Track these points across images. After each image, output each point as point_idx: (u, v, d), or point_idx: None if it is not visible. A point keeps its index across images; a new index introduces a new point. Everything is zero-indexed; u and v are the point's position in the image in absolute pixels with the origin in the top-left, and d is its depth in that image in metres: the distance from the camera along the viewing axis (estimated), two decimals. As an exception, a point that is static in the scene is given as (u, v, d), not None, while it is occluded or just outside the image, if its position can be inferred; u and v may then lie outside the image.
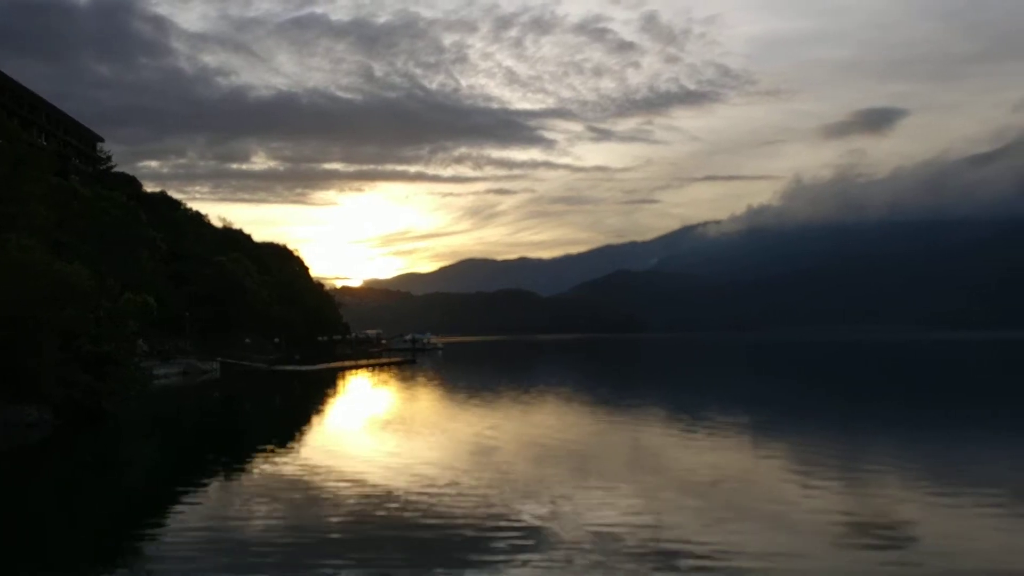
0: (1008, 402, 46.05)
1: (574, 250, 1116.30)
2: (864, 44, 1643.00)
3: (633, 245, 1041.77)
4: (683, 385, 62.28)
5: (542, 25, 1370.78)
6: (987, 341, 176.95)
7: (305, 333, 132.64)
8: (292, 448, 28.59)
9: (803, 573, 13.45)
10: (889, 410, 41.12)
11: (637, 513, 17.50)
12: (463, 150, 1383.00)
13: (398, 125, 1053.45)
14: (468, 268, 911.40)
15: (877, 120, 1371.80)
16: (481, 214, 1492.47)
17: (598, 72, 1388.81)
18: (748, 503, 18.50)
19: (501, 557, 14.41)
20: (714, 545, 14.93)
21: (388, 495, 19.79)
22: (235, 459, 26.57)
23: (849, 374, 76.54)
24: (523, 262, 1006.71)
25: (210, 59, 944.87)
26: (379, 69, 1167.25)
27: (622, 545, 15.04)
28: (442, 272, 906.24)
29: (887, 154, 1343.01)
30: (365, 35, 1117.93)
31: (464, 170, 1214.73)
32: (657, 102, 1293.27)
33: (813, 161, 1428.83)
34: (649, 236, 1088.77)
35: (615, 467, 23.56)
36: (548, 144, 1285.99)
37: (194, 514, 18.21)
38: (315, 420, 39.74)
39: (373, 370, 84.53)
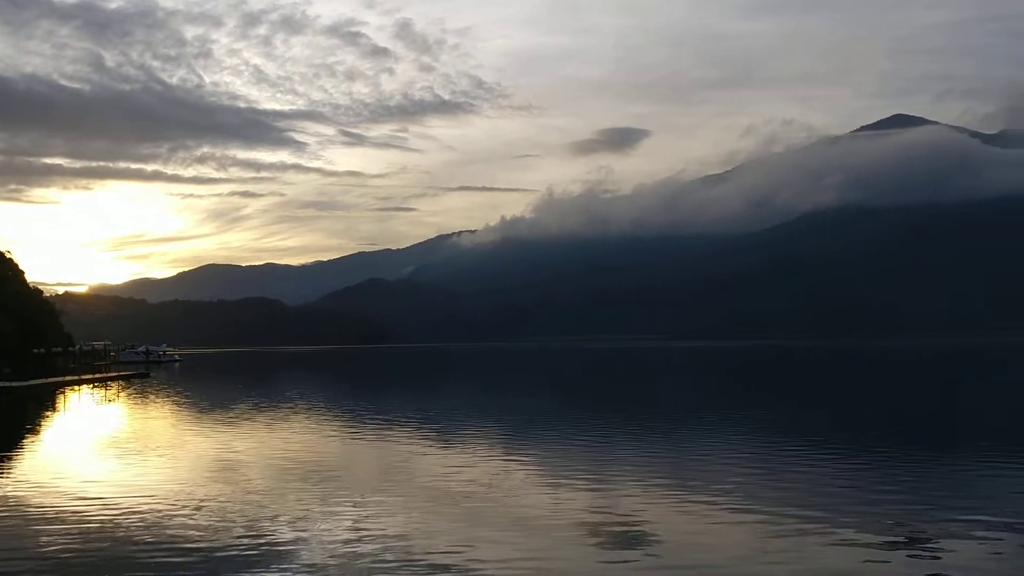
0: (732, 404, 50.34)
1: (325, 257, 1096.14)
2: (611, 65, 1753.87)
3: (387, 253, 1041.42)
4: (434, 395, 62.55)
5: (292, 25, 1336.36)
6: (718, 348, 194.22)
7: (17, 345, 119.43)
8: (-3, 474, 25.19)
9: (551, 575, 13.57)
10: (629, 414, 43.45)
11: (387, 526, 17.03)
12: (206, 149, 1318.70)
13: (133, 120, 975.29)
14: (210, 274, 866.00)
15: (622, 139, 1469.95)
16: (225, 217, 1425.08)
17: (351, 76, 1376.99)
18: (499, 511, 18.62)
19: (240, 584, 13.37)
20: (465, 554, 14.81)
21: (115, 521, 17.90)
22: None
23: (594, 380, 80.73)
24: (270, 269, 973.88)
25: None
26: (110, 59, 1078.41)
27: (371, 560, 14.52)
28: (181, 278, 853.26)
29: (630, 172, 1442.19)
30: (93, 20, 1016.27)
31: (207, 171, 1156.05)
32: (412, 109, 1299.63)
33: (564, 175, 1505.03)
34: (403, 244, 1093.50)
35: (364, 481, 22.94)
36: (298, 147, 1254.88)
37: None
38: (27, 442, 35.44)
39: (100, 385, 77.56)
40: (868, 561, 14.04)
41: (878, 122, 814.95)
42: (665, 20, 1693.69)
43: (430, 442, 31.22)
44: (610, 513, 18.06)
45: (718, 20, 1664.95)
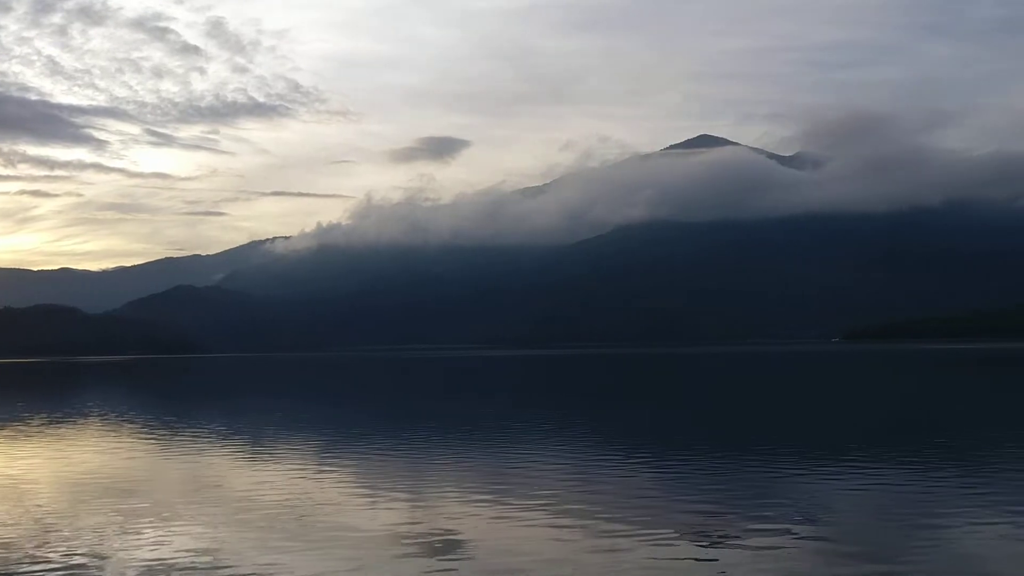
0: (547, 413, 51.52)
1: (128, 262, 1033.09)
2: (432, 74, 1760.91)
3: (196, 259, 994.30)
4: (245, 407, 60.35)
5: (92, 15, 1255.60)
6: (534, 357, 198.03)
7: None
8: None
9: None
10: (445, 425, 43.50)
11: (193, 546, 16.29)
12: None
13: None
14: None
15: (442, 148, 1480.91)
16: (13, 218, 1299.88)
17: (158, 73, 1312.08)
18: (312, 526, 18.22)
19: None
20: (276, 571, 14.44)
21: None
22: None
23: (410, 391, 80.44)
24: (66, 274, 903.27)
25: None
26: None
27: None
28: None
29: (451, 181, 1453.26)
30: None
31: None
32: (224, 111, 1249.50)
33: (383, 182, 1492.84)
34: (214, 250, 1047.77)
35: (169, 499, 21.78)
36: (99, 145, 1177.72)
37: None
38: None
39: None
40: (674, 565, 14.83)
41: (685, 141, 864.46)
42: (486, 33, 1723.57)
43: (240, 456, 30.15)
44: (427, 525, 18.07)
45: (538, 36, 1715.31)
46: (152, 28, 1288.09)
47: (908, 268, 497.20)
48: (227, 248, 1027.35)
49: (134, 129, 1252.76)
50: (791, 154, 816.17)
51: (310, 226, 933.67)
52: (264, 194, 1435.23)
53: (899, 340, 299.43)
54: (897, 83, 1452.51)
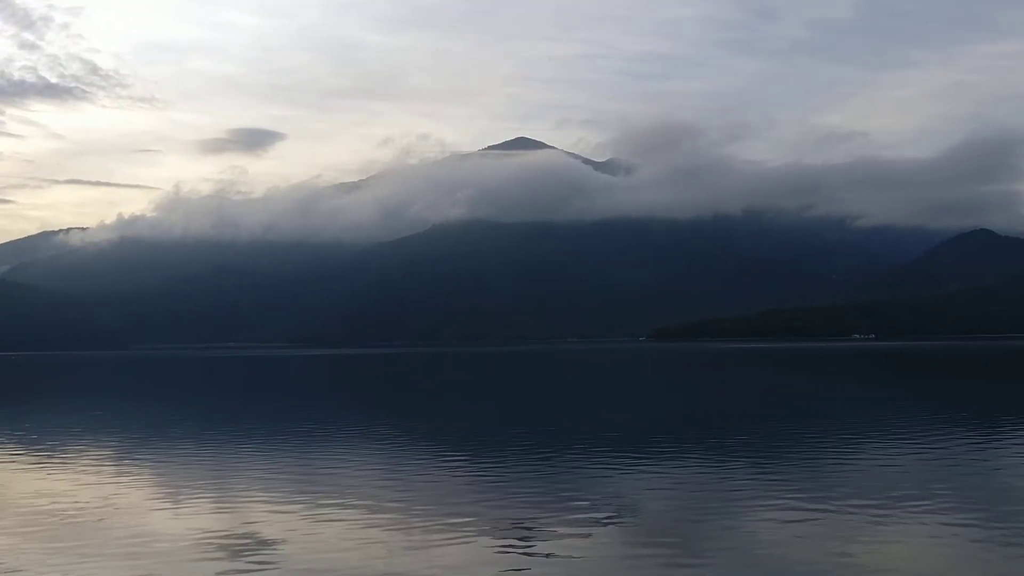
0: (362, 413, 50.63)
1: None
2: (245, 64, 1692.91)
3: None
4: (32, 410, 55.52)
5: None
6: (347, 356, 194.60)
7: None
8: None
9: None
10: (251, 425, 41.83)
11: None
12: None
13: None
14: None
15: (255, 140, 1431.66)
16: None
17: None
18: (107, 533, 17.06)
19: None
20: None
21: None
22: None
23: (216, 391, 76.92)
24: None
25: None
26: None
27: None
28: None
29: (263, 174, 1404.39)
30: None
31: None
32: (10, 90, 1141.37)
33: (192, 174, 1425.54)
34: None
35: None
36: None
37: None
38: None
39: None
40: (484, 568, 14.81)
41: (504, 143, 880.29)
42: (303, 25, 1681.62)
43: (27, 462, 27.76)
44: (234, 530, 17.33)
45: (357, 31, 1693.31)
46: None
47: (710, 272, 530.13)
48: (14, 239, 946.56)
49: None
50: (604, 160, 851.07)
51: (110, 217, 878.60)
52: (57, 182, 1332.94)
53: (701, 339, 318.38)
54: (705, 96, 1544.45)
